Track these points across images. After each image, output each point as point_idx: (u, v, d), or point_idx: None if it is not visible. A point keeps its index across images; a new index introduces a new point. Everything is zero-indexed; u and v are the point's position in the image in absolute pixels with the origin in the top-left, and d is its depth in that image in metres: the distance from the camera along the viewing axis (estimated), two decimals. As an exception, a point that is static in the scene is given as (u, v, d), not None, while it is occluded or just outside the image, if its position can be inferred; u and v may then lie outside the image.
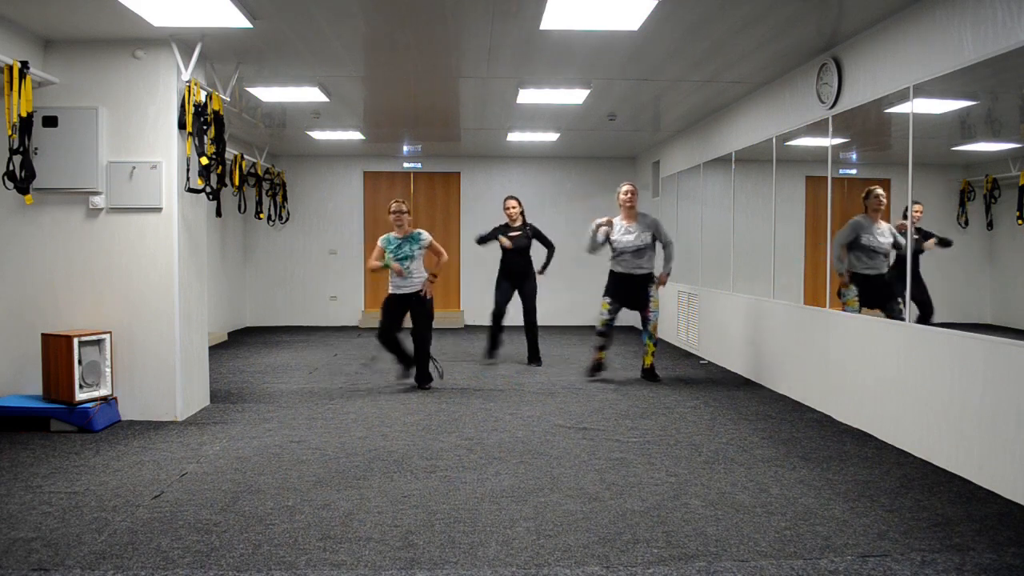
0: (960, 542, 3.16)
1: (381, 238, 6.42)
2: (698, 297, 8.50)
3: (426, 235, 6.41)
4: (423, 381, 6.51)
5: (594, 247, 6.69)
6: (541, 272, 7.71)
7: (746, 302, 7.10)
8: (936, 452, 4.27)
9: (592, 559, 2.99)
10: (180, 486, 3.86)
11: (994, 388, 3.81)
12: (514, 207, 7.63)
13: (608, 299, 6.69)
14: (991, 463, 3.83)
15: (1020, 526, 3.35)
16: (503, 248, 7.58)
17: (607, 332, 6.76)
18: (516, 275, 7.60)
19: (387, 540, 3.18)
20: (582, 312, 11.60)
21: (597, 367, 6.94)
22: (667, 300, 9.81)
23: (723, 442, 4.74)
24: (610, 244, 6.64)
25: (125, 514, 3.46)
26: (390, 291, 6.39)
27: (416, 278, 6.32)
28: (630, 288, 6.63)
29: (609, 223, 6.64)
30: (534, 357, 7.76)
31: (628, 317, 11.65)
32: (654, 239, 6.63)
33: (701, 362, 8.00)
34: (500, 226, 7.70)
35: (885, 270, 5.37)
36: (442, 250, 6.56)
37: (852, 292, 5.54)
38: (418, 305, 6.35)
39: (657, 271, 6.73)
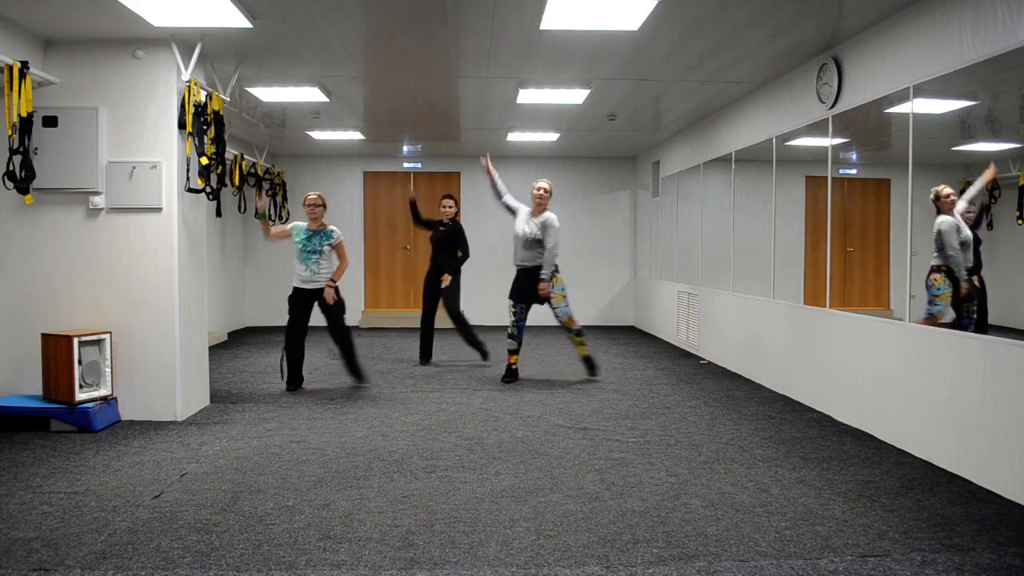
0: (960, 542, 3.16)
1: (292, 224, 6.35)
2: (698, 297, 8.50)
3: (337, 234, 6.35)
4: (358, 377, 6.49)
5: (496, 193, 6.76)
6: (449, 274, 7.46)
7: (746, 302, 7.10)
8: (936, 452, 4.27)
9: (592, 559, 2.99)
10: (180, 486, 3.86)
11: (994, 388, 3.81)
12: (450, 206, 7.62)
13: (511, 302, 6.62)
14: (991, 463, 3.83)
15: (1020, 526, 3.35)
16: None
17: (515, 336, 6.68)
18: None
19: (387, 540, 3.18)
20: (581, 312, 11.58)
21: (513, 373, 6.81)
22: (667, 300, 9.81)
23: (723, 442, 4.74)
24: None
25: (125, 514, 3.46)
26: (295, 284, 6.34)
27: (324, 274, 6.29)
28: (529, 283, 6.53)
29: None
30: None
31: (625, 315, 11.65)
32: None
33: (701, 362, 8.00)
34: (435, 221, 7.68)
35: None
36: (345, 255, 6.40)
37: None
38: (325, 300, 6.32)
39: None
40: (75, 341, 4.94)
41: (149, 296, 5.25)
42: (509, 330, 6.66)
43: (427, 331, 7.72)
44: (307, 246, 6.24)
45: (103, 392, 5.12)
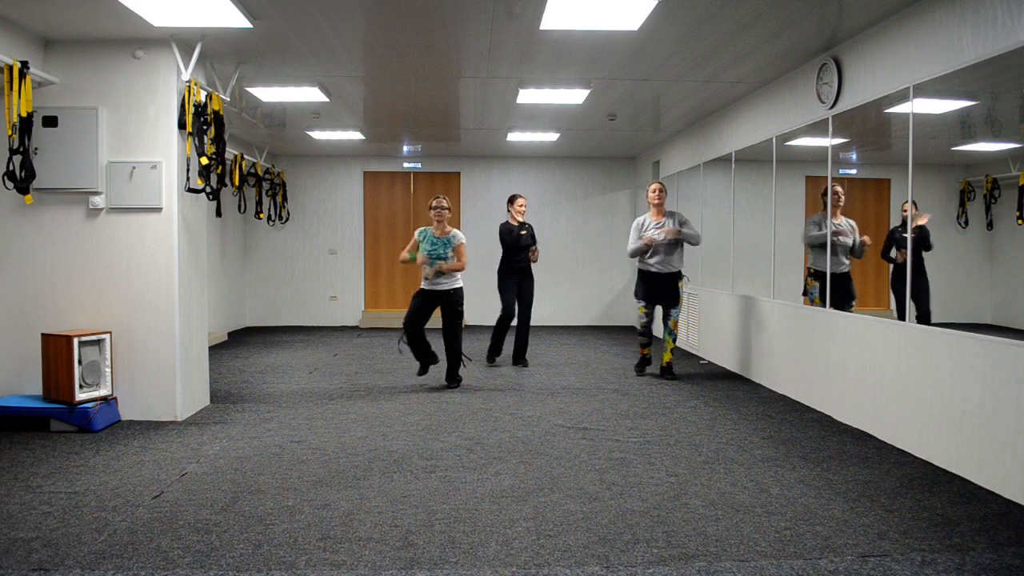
0: (960, 542, 3.17)
1: (419, 231, 6.43)
2: (698, 297, 8.50)
3: (460, 237, 6.41)
4: (451, 380, 6.52)
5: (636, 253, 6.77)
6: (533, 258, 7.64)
7: (746, 302, 7.10)
8: (936, 452, 4.27)
9: (592, 559, 2.99)
10: (180, 486, 3.86)
11: (994, 388, 3.81)
12: (523, 204, 7.59)
13: (643, 302, 6.80)
14: (991, 463, 3.83)
15: (1020, 526, 3.35)
16: (516, 247, 7.46)
17: (648, 332, 6.95)
18: (521, 273, 7.56)
19: (387, 540, 3.18)
20: (581, 312, 11.60)
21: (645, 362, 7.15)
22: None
23: (723, 442, 4.74)
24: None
25: (125, 514, 3.46)
26: (422, 286, 6.39)
27: (447, 277, 6.34)
28: (661, 286, 6.73)
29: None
30: (522, 357, 7.73)
31: (625, 315, 11.66)
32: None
33: (701, 362, 8.00)
34: (506, 223, 7.57)
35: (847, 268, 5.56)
36: (463, 257, 6.40)
37: (815, 291, 5.79)
38: (446, 304, 6.35)
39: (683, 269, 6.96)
40: (75, 341, 4.94)
41: (149, 296, 5.25)
42: (638, 327, 6.93)
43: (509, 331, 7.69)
44: (432, 253, 6.29)
45: (103, 392, 5.11)
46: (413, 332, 6.41)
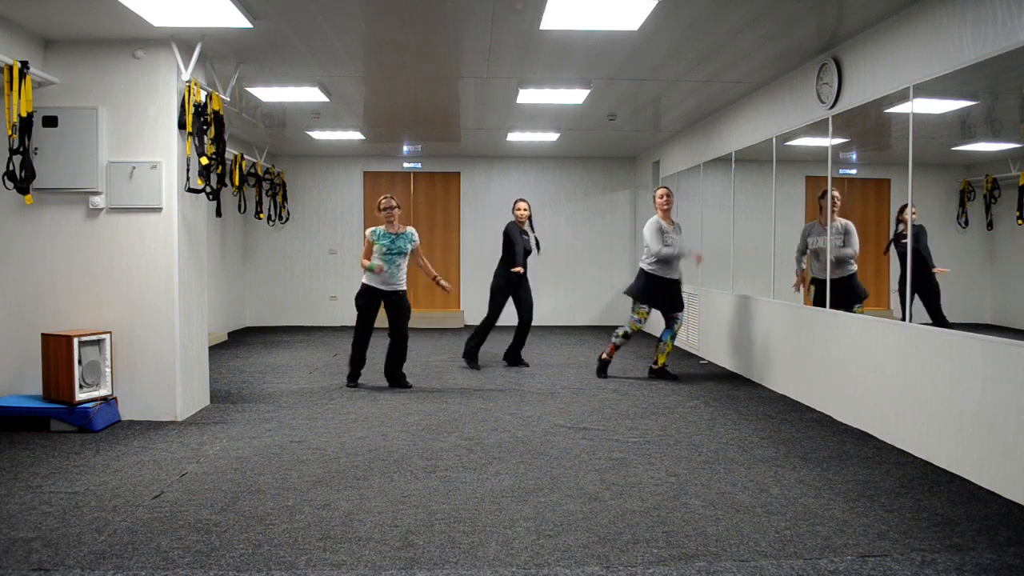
0: (960, 542, 3.16)
1: (370, 231, 6.35)
2: (698, 297, 8.50)
3: (417, 234, 6.47)
4: (402, 381, 6.50)
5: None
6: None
7: (746, 302, 7.11)
8: (936, 452, 4.27)
9: (592, 559, 2.99)
10: (180, 486, 3.86)
11: (994, 388, 3.81)
12: (525, 208, 7.51)
13: (647, 307, 6.75)
14: (991, 463, 3.83)
15: (1020, 526, 3.35)
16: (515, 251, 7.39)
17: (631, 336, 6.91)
18: (523, 278, 7.47)
19: (387, 540, 3.18)
20: (581, 312, 11.60)
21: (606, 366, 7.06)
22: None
23: (723, 442, 4.74)
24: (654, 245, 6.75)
25: (125, 514, 3.46)
26: (371, 285, 6.29)
27: (402, 275, 6.35)
28: (668, 291, 6.74)
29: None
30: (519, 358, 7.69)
31: (623, 315, 11.67)
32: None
33: (701, 362, 8.00)
34: (512, 223, 7.47)
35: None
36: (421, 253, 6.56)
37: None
38: (398, 301, 6.35)
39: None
40: (75, 341, 4.93)
41: (149, 296, 5.25)
42: (631, 332, 6.81)
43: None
44: (392, 248, 6.27)
45: (103, 392, 5.11)
46: (365, 342, 6.44)
